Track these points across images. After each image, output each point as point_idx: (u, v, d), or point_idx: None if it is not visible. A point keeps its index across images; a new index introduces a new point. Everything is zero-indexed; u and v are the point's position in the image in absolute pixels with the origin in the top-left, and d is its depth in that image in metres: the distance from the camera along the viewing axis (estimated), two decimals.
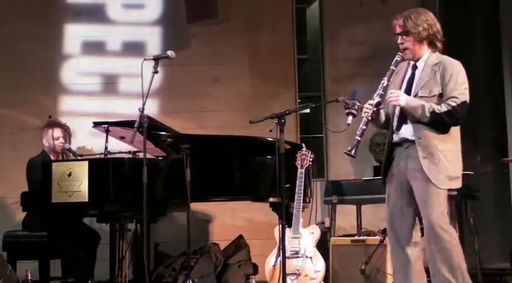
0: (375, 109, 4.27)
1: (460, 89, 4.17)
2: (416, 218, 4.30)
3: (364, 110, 4.28)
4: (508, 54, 7.45)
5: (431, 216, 4.12)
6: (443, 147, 4.16)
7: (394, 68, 4.30)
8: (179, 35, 7.67)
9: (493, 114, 7.51)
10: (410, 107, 4.20)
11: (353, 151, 4.21)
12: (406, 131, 4.26)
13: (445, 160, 4.14)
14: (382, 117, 4.41)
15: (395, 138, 4.33)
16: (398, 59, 4.31)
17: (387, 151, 4.39)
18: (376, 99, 4.28)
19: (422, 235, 4.29)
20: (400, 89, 4.32)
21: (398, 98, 4.22)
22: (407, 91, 4.30)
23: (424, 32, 4.25)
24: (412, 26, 4.24)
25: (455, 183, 4.21)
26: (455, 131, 4.25)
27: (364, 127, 4.25)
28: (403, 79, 4.37)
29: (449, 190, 4.24)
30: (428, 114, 4.13)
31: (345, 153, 4.24)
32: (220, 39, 7.65)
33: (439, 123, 4.16)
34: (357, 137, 4.24)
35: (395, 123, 4.33)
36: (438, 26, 4.31)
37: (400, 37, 4.29)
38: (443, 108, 4.13)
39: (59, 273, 6.26)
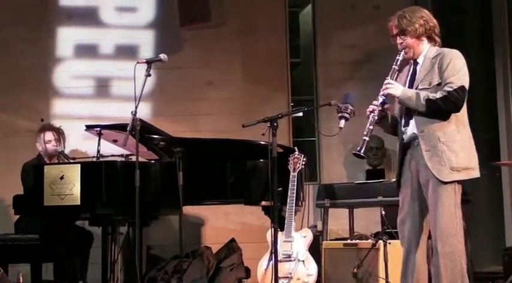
0: (380, 108, 4.23)
1: (457, 74, 4.09)
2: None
3: (370, 109, 4.23)
4: (501, 56, 7.45)
5: (439, 220, 4.07)
6: (447, 138, 4.08)
7: (396, 67, 4.26)
8: (172, 38, 7.66)
9: (486, 117, 7.51)
10: (406, 97, 4.16)
11: (362, 151, 4.12)
12: (413, 126, 4.21)
13: (448, 152, 4.06)
14: (389, 118, 4.36)
15: (405, 138, 4.27)
16: (400, 57, 4.27)
17: (399, 155, 4.32)
18: (381, 98, 4.24)
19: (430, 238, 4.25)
20: (404, 86, 4.27)
21: (394, 86, 4.19)
22: (410, 87, 4.25)
23: (421, 28, 4.23)
24: (408, 24, 4.22)
25: (460, 175, 4.09)
26: (461, 120, 4.14)
27: (371, 127, 4.19)
28: (407, 77, 4.33)
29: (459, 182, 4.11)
30: (423, 102, 4.08)
31: (354, 153, 4.15)
32: (213, 43, 7.64)
33: (436, 111, 4.08)
34: (364, 137, 4.15)
35: (403, 121, 4.29)
36: (434, 20, 4.30)
37: (398, 37, 4.27)
38: (438, 94, 4.06)
39: (51, 276, 6.25)
